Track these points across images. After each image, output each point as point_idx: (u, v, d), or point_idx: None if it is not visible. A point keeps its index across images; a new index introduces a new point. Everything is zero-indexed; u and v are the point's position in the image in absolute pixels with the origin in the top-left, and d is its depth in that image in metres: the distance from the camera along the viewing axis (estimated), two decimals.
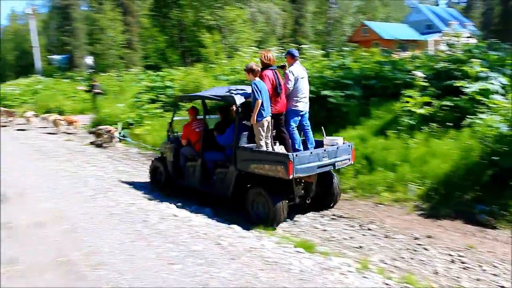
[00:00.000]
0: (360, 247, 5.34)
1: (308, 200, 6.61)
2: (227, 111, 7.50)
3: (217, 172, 6.88)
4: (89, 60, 38.03)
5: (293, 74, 6.47)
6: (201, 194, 7.41)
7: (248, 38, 23.27)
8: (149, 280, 4.02)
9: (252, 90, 6.15)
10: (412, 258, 4.96)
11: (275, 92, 6.37)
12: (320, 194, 6.74)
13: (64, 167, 9.68)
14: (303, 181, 6.39)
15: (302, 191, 6.44)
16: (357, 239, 5.64)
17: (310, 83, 7.37)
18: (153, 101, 15.73)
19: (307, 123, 6.90)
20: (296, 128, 6.70)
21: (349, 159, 6.65)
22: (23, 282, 4.00)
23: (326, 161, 6.19)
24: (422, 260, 4.90)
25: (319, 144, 6.81)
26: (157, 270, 4.22)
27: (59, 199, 6.91)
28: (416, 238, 5.55)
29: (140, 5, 33.84)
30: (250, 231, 5.70)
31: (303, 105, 6.67)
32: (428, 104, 8.34)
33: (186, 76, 15.72)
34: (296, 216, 6.58)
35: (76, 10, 38.81)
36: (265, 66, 6.49)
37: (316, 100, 9.65)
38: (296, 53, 6.87)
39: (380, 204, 7.05)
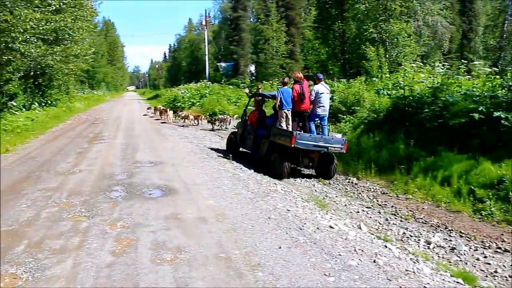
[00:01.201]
0: None
1: (311, 169, 10.53)
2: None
3: (262, 142, 10.83)
4: (252, 68, 40.41)
5: (315, 91, 10.23)
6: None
7: (411, 52, 22.21)
8: None
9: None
10: None
11: (300, 98, 10.09)
12: (323, 169, 10.34)
13: (226, 168, 10.13)
14: (311, 156, 10.01)
15: (309, 163, 10.14)
16: None
17: (481, 103, 9.40)
18: None
19: (324, 122, 10.48)
20: (314, 124, 10.42)
21: (341, 148, 9.86)
22: (188, 270, 4.25)
23: (321, 144, 9.64)
24: None
25: None
26: (312, 279, 4.19)
27: (221, 198, 7.19)
28: None
29: (304, 17, 34.90)
30: (406, 253, 5.54)
31: (321, 111, 10.26)
32: None
33: (347, 88, 15.75)
34: (454, 242, 6.21)
35: (244, 22, 41.71)
36: (295, 81, 10.35)
37: (485, 122, 8.95)
38: (320, 76, 10.78)
39: None
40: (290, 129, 10.06)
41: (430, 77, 12.35)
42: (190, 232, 5.41)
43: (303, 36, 34.03)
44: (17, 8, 15.33)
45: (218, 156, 11.85)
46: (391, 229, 6.77)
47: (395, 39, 22.50)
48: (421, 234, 6.60)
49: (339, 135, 10.47)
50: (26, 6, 15.96)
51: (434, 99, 10.76)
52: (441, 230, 6.83)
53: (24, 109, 19.06)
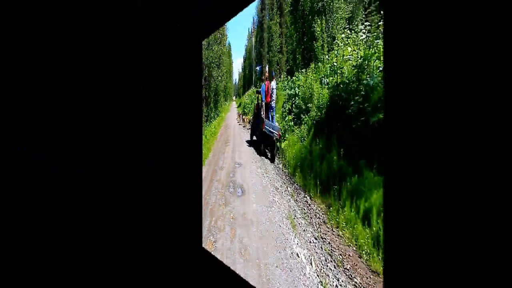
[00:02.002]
0: None
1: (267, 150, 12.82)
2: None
3: (257, 130, 13.47)
4: (266, 68, 38.76)
5: (272, 87, 12.70)
6: None
7: (341, 18, 16.23)
8: None
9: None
10: None
11: (268, 92, 12.87)
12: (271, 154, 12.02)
13: (268, 171, 10.93)
14: (270, 140, 11.99)
15: (268, 147, 12.39)
16: None
17: None
18: (289, 111, 13.77)
19: (273, 113, 12.92)
20: (271, 114, 12.96)
21: (277, 134, 11.66)
22: (252, 265, 5.17)
23: (271, 129, 11.72)
24: None
25: None
26: None
27: (260, 203, 7.97)
28: None
29: (287, 2, 31.24)
30: None
31: (273, 103, 12.83)
32: None
33: (305, 81, 13.04)
34: None
35: (265, 21, 40.02)
36: (266, 78, 13.27)
37: None
38: (273, 73, 15.28)
39: None
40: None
41: (355, 51, 9.16)
42: (249, 233, 6.42)
43: (286, 24, 30.20)
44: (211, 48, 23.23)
45: (263, 159, 12.68)
46: (328, 276, 5.23)
47: (331, 2, 16.42)
48: None
49: (277, 124, 12.65)
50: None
51: (358, 84, 7.77)
52: None
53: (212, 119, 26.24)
